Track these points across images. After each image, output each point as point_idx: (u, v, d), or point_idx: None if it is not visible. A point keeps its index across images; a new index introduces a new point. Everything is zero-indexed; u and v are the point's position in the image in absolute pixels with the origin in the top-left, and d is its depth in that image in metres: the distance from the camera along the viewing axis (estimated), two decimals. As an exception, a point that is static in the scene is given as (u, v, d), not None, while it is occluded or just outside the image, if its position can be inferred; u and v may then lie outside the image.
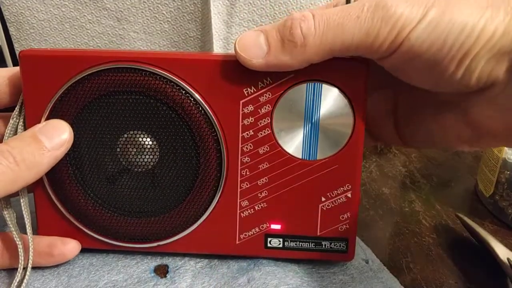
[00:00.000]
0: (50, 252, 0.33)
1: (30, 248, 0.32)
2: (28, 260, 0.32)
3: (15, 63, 0.51)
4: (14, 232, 0.32)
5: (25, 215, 0.32)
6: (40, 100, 0.32)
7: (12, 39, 0.49)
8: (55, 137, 0.31)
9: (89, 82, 0.32)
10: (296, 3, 0.47)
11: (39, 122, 0.32)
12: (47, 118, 0.32)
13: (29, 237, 0.32)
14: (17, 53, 0.50)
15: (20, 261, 0.31)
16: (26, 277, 0.32)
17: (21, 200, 0.32)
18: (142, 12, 0.47)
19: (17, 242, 0.32)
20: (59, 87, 0.32)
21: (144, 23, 0.48)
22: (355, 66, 0.31)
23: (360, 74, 0.31)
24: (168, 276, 0.34)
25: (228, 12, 0.47)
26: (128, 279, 0.33)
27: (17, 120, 0.33)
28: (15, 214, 0.33)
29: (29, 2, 0.46)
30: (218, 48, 0.48)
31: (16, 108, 0.33)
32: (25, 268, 0.32)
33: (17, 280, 0.31)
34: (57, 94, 0.32)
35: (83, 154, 0.33)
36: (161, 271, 0.34)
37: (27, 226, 0.32)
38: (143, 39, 0.49)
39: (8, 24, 0.47)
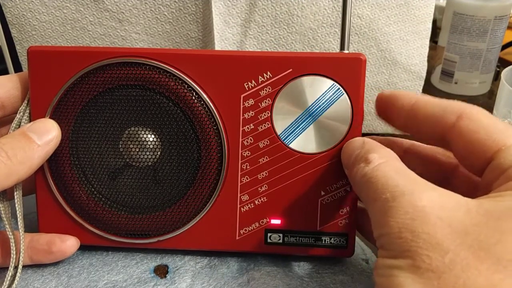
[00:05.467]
0: (49, 249, 0.33)
1: (21, 245, 0.32)
2: (19, 257, 0.32)
3: (15, 65, 0.51)
4: (7, 227, 0.32)
5: (18, 212, 0.32)
6: (46, 94, 0.33)
7: (14, 41, 0.49)
8: (44, 133, 0.32)
9: (93, 76, 0.32)
10: (298, 3, 0.47)
11: (44, 116, 0.33)
12: (52, 113, 0.33)
13: (20, 233, 0.32)
14: (19, 55, 0.50)
15: (12, 258, 0.31)
16: (18, 274, 0.31)
17: (15, 197, 0.32)
18: (144, 13, 0.48)
19: (10, 237, 0.32)
20: (64, 81, 0.33)
21: (146, 24, 0.48)
22: (353, 60, 0.31)
23: (358, 68, 0.31)
24: (168, 276, 0.34)
25: (229, 12, 0.47)
26: (128, 279, 0.33)
27: (23, 115, 0.33)
28: (10, 209, 0.33)
29: (31, 4, 0.47)
30: (220, 48, 0.48)
31: (23, 103, 0.33)
32: (16, 267, 0.32)
33: (8, 278, 0.31)
34: (63, 88, 0.33)
35: (87, 149, 0.33)
36: (161, 271, 0.34)
37: (19, 221, 0.32)
38: (144, 40, 0.49)
39: (10, 26, 0.48)
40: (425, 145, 0.34)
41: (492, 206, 0.22)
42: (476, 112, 0.27)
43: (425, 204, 0.23)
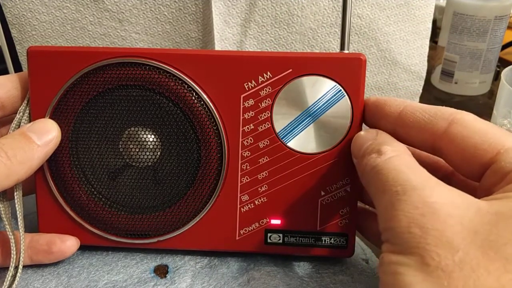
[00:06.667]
0: (49, 249, 0.33)
1: (22, 245, 0.32)
2: (19, 257, 0.32)
3: (15, 65, 0.51)
4: (8, 227, 0.32)
5: (18, 212, 0.32)
6: (46, 94, 0.33)
7: (14, 41, 0.49)
8: (44, 134, 0.32)
9: (93, 76, 0.32)
10: (298, 3, 0.47)
11: (44, 116, 0.33)
12: (52, 113, 0.33)
13: (21, 233, 0.32)
14: (19, 55, 0.50)
15: (12, 258, 0.31)
16: (18, 274, 0.31)
17: (15, 197, 0.32)
18: (144, 13, 0.48)
19: (10, 237, 0.32)
20: (64, 81, 0.33)
21: (146, 24, 0.48)
22: (353, 60, 0.31)
23: (358, 68, 0.31)
24: (168, 276, 0.34)
25: (229, 12, 0.47)
26: (128, 279, 0.33)
27: (22, 115, 0.33)
28: (10, 209, 0.33)
29: (31, 4, 0.47)
30: (220, 48, 0.48)
31: (23, 103, 0.33)
32: (16, 267, 0.32)
33: (9, 279, 0.31)
34: (63, 88, 0.33)
35: (86, 149, 0.33)
36: (161, 271, 0.34)
37: (19, 221, 0.32)
38: (144, 40, 0.49)
39: (10, 26, 0.48)
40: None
41: (502, 207, 0.22)
42: (468, 118, 0.27)
43: (436, 201, 0.23)
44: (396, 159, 0.26)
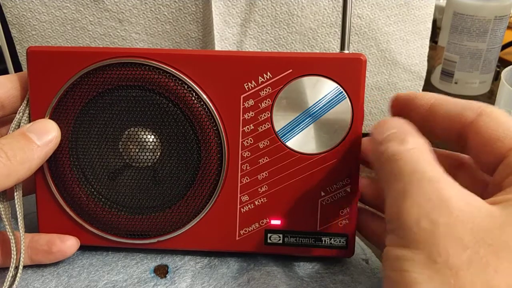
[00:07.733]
0: (49, 249, 0.33)
1: (22, 245, 0.32)
2: (19, 257, 0.32)
3: (15, 65, 0.51)
4: (8, 227, 0.32)
5: (18, 212, 0.32)
6: (45, 95, 0.33)
7: (14, 41, 0.49)
8: (43, 134, 0.32)
9: (93, 77, 0.32)
10: (298, 3, 0.47)
11: (43, 117, 0.33)
12: (52, 113, 0.33)
13: (21, 233, 0.32)
14: (19, 55, 0.50)
15: (12, 258, 0.32)
16: (18, 274, 0.32)
17: (15, 197, 0.32)
18: (144, 13, 0.48)
19: (10, 237, 0.32)
20: (64, 82, 0.33)
21: (146, 24, 0.48)
22: (353, 60, 0.31)
23: (358, 69, 0.31)
24: (168, 276, 0.34)
25: (229, 12, 0.47)
26: (128, 279, 0.33)
27: (22, 115, 0.33)
28: (10, 209, 0.33)
29: (31, 4, 0.47)
30: (220, 48, 0.48)
31: (22, 104, 0.33)
32: (17, 267, 0.32)
33: (9, 279, 0.31)
34: (62, 89, 0.33)
35: (86, 150, 0.33)
36: (161, 271, 0.34)
37: (19, 222, 0.32)
38: (144, 40, 0.49)
39: (10, 26, 0.48)
40: None
41: None
42: (496, 111, 0.27)
43: (451, 196, 0.22)
44: (417, 151, 0.26)
